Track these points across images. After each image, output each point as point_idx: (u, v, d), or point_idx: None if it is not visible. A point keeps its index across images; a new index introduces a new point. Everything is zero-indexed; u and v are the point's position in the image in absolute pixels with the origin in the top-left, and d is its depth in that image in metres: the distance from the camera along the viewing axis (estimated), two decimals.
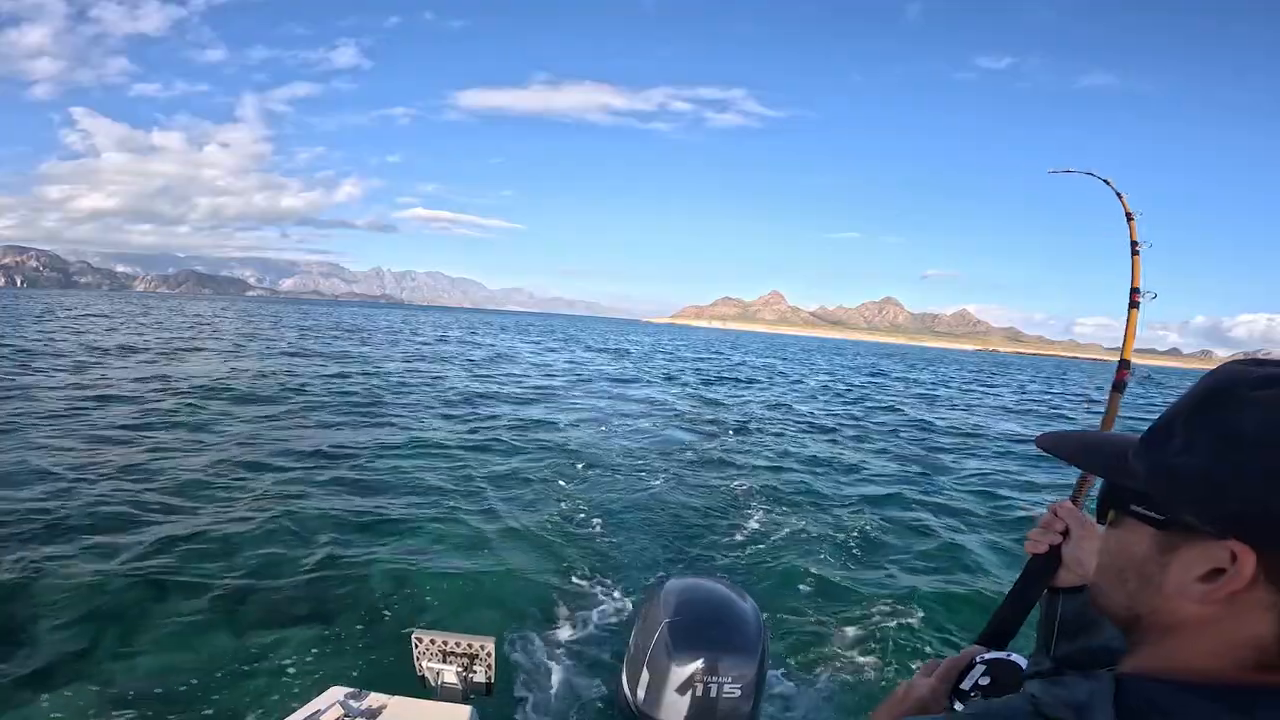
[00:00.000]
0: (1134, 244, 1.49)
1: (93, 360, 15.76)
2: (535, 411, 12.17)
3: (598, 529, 5.68)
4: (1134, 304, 1.45)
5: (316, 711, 1.94)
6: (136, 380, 12.80)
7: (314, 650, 3.51)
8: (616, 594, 4.43)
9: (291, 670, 3.33)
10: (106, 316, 37.73)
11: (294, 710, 1.98)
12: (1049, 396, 29.22)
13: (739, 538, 5.74)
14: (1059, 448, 0.56)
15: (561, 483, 7.08)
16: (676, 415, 13.14)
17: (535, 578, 4.60)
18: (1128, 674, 0.48)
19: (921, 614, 4.40)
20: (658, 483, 7.41)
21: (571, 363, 26.48)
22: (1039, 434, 0.60)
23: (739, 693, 1.75)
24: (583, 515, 6.01)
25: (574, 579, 4.64)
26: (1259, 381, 0.43)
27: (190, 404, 10.40)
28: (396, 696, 2.05)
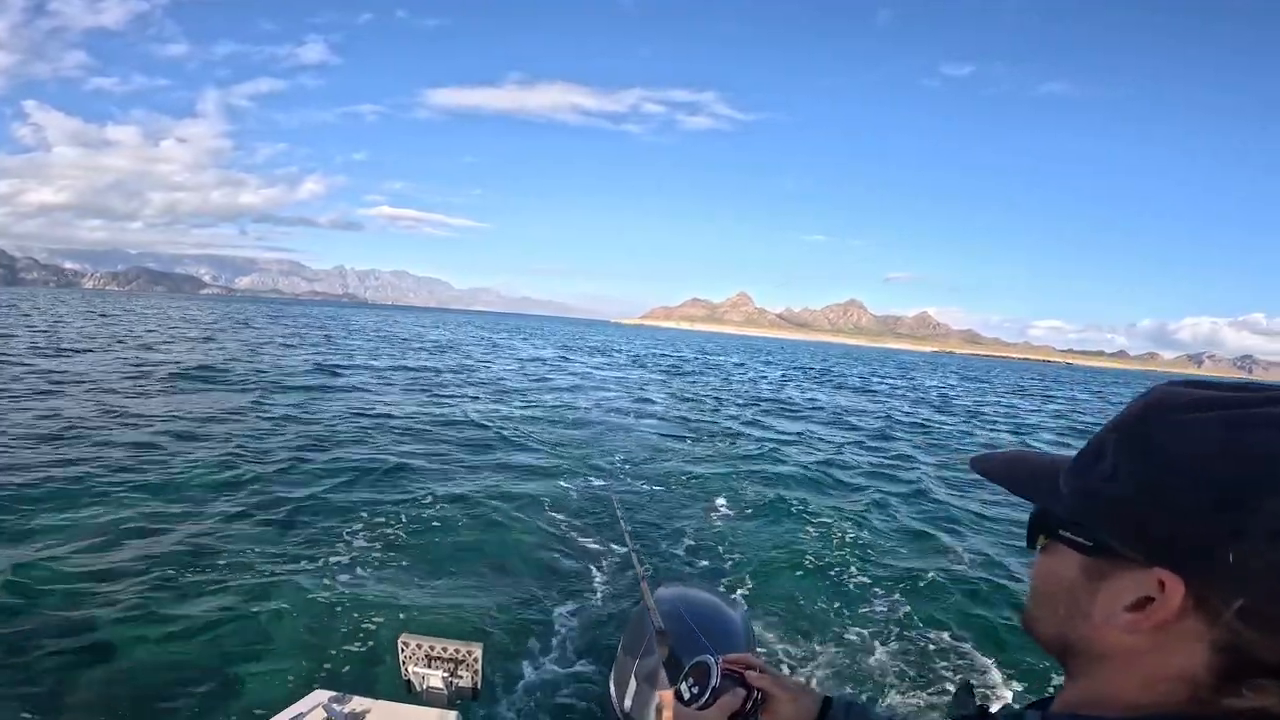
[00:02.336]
0: None
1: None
2: (519, 413, 12.18)
3: (588, 535, 5.71)
4: None
5: (299, 714, 1.92)
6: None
7: (299, 652, 3.50)
8: (605, 601, 4.44)
9: (275, 672, 3.32)
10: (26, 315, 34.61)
11: (278, 712, 1.96)
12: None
13: (727, 543, 5.82)
14: (990, 471, 0.55)
15: (552, 488, 7.11)
16: (661, 420, 13.08)
17: (524, 584, 4.62)
18: (1056, 712, 0.48)
19: (906, 618, 4.51)
20: (647, 489, 7.45)
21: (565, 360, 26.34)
22: (972, 456, 0.58)
23: None
24: (573, 521, 6.06)
25: (564, 586, 4.64)
26: (1190, 404, 0.42)
27: (159, 390, 10.63)
28: (381, 701, 2.05)
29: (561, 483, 7.40)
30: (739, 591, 4.72)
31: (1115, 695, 0.45)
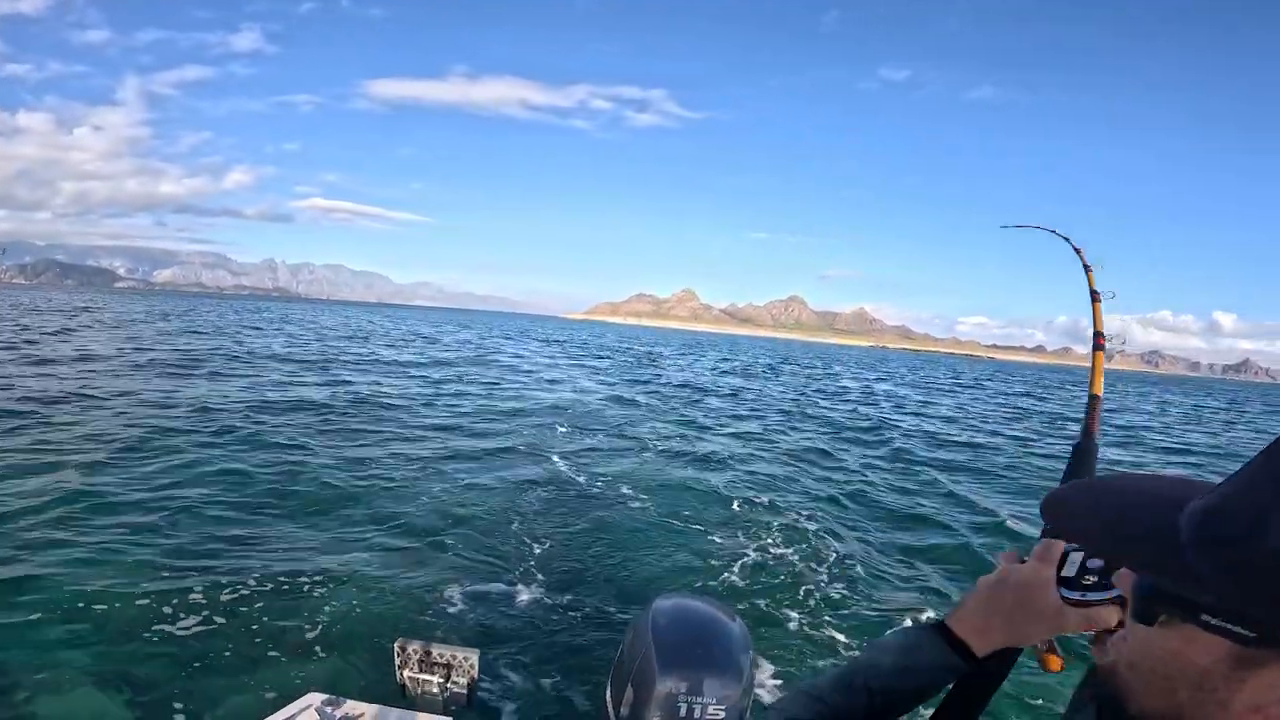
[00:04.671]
0: (1094, 293, 1.53)
1: None
2: (508, 422, 12.15)
3: (585, 545, 5.70)
4: (1099, 347, 1.45)
5: (291, 717, 1.92)
6: None
7: (292, 654, 3.48)
8: (604, 610, 4.44)
9: (268, 674, 3.31)
10: None
11: (269, 715, 1.94)
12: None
13: (730, 555, 5.74)
14: (1073, 519, 0.46)
15: (547, 497, 7.07)
16: (659, 437, 12.73)
17: (521, 591, 4.60)
18: None
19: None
20: (643, 500, 7.38)
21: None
22: (1045, 496, 0.48)
23: (723, 714, 1.47)
24: (569, 531, 6.05)
25: (560, 594, 4.63)
26: None
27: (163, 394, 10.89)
28: (375, 705, 2.03)
29: (550, 487, 7.48)
30: (745, 605, 4.71)
31: None
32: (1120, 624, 0.59)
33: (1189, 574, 0.39)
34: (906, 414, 19.63)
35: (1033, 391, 39.07)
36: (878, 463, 10.85)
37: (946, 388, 35.18)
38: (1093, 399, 1.18)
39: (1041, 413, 24.05)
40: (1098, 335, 1.50)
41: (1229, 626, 0.38)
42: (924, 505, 8.14)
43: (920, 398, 26.24)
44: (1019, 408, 25.55)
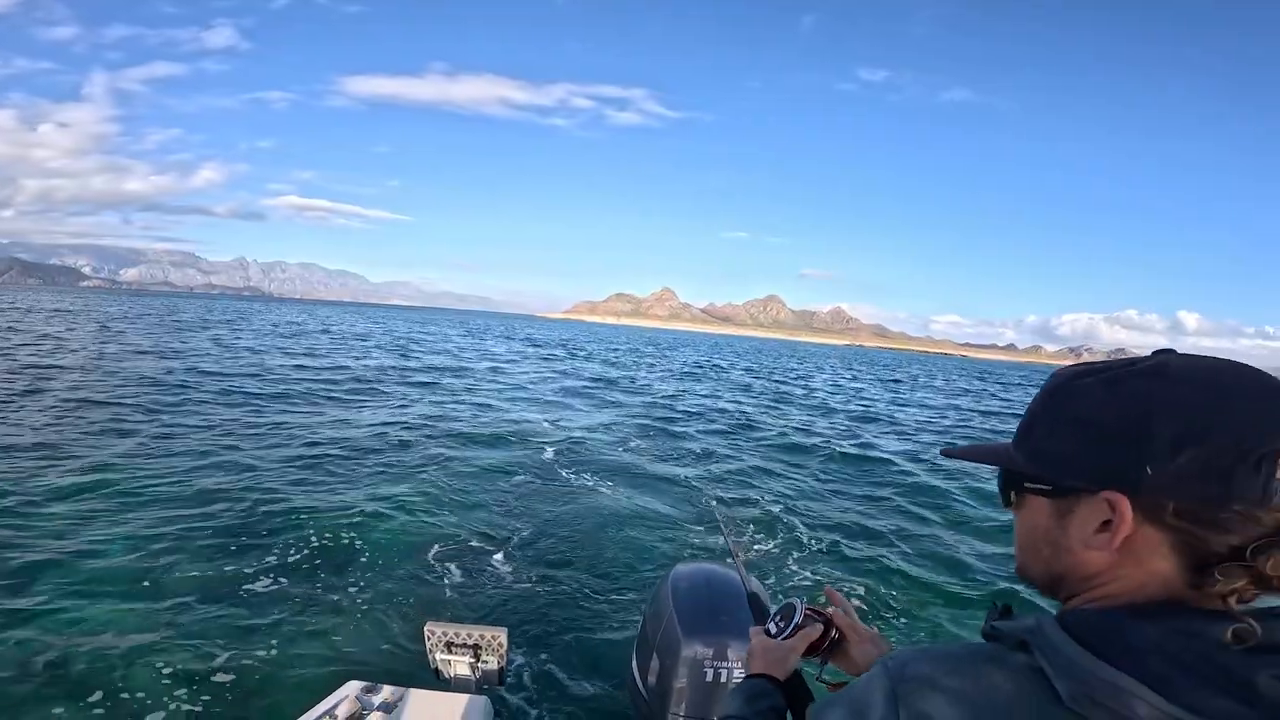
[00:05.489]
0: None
1: None
2: (525, 412, 12.34)
3: (605, 520, 5.88)
4: None
5: (333, 705, 1.96)
6: None
7: (330, 646, 3.59)
8: (627, 581, 4.56)
9: (309, 665, 3.40)
10: None
11: (313, 704, 1.98)
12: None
13: (749, 525, 6.12)
14: (960, 455, 0.71)
15: (567, 477, 7.41)
16: (668, 418, 13.18)
17: (544, 567, 4.73)
18: (1070, 609, 0.58)
19: (915, 596, 4.74)
20: (664, 474, 7.81)
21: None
22: (942, 448, 0.76)
23: None
24: (589, 506, 6.27)
25: (584, 567, 4.78)
26: (1076, 375, 0.59)
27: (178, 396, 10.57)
28: (411, 689, 2.08)
29: (572, 468, 7.84)
30: (767, 572, 4.96)
31: (1106, 601, 0.55)
32: (814, 646, 0.96)
33: (1015, 462, 0.62)
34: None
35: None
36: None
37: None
38: None
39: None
40: None
41: (1038, 486, 0.60)
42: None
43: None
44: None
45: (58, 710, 2.89)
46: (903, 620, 4.46)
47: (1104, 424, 0.55)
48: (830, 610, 1.00)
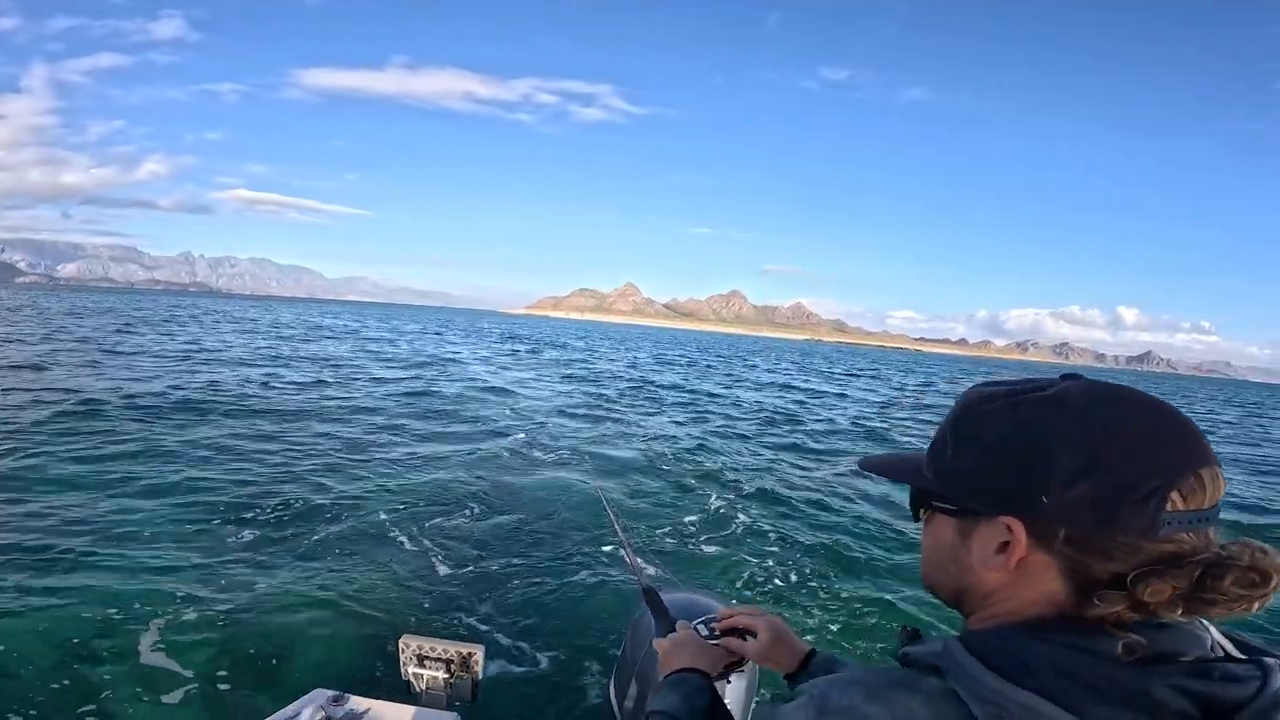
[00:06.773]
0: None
1: None
2: (510, 417, 11.88)
3: (586, 537, 5.69)
4: None
5: (296, 713, 1.92)
6: None
7: (297, 651, 3.51)
8: (608, 604, 4.49)
9: (274, 670, 3.34)
10: None
11: (274, 711, 1.94)
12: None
13: (728, 545, 5.91)
14: (875, 467, 0.73)
15: (541, 488, 7.16)
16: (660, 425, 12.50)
17: (526, 586, 4.63)
18: (971, 630, 0.60)
19: (884, 619, 4.51)
20: (652, 487, 7.53)
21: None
22: (859, 460, 0.77)
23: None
24: (569, 520, 6.09)
25: (565, 588, 4.67)
26: (983, 399, 0.60)
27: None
28: (379, 700, 2.05)
29: (549, 482, 7.41)
30: (745, 597, 4.83)
31: (1003, 619, 0.58)
32: (731, 664, 1.04)
33: (926, 479, 0.65)
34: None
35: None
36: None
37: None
38: None
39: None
40: None
41: (945, 505, 0.63)
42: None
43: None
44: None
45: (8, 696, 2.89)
46: (809, 608, 4.56)
47: (1005, 450, 0.57)
48: (748, 624, 1.06)
